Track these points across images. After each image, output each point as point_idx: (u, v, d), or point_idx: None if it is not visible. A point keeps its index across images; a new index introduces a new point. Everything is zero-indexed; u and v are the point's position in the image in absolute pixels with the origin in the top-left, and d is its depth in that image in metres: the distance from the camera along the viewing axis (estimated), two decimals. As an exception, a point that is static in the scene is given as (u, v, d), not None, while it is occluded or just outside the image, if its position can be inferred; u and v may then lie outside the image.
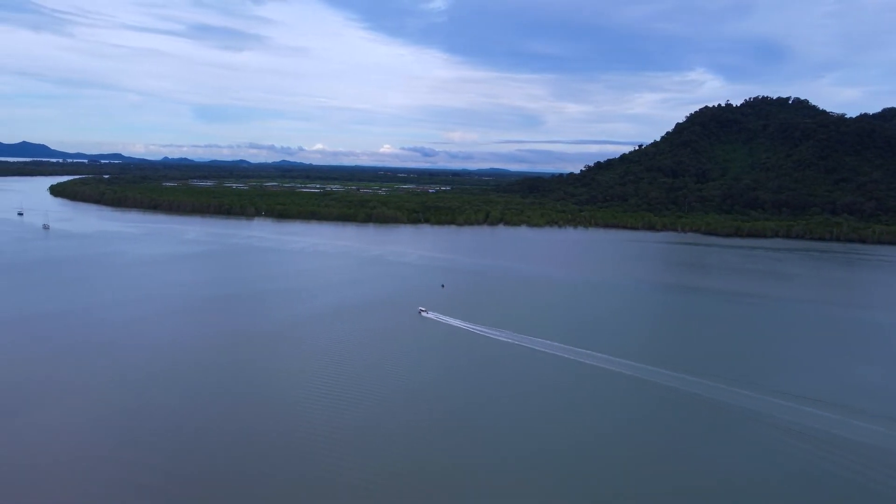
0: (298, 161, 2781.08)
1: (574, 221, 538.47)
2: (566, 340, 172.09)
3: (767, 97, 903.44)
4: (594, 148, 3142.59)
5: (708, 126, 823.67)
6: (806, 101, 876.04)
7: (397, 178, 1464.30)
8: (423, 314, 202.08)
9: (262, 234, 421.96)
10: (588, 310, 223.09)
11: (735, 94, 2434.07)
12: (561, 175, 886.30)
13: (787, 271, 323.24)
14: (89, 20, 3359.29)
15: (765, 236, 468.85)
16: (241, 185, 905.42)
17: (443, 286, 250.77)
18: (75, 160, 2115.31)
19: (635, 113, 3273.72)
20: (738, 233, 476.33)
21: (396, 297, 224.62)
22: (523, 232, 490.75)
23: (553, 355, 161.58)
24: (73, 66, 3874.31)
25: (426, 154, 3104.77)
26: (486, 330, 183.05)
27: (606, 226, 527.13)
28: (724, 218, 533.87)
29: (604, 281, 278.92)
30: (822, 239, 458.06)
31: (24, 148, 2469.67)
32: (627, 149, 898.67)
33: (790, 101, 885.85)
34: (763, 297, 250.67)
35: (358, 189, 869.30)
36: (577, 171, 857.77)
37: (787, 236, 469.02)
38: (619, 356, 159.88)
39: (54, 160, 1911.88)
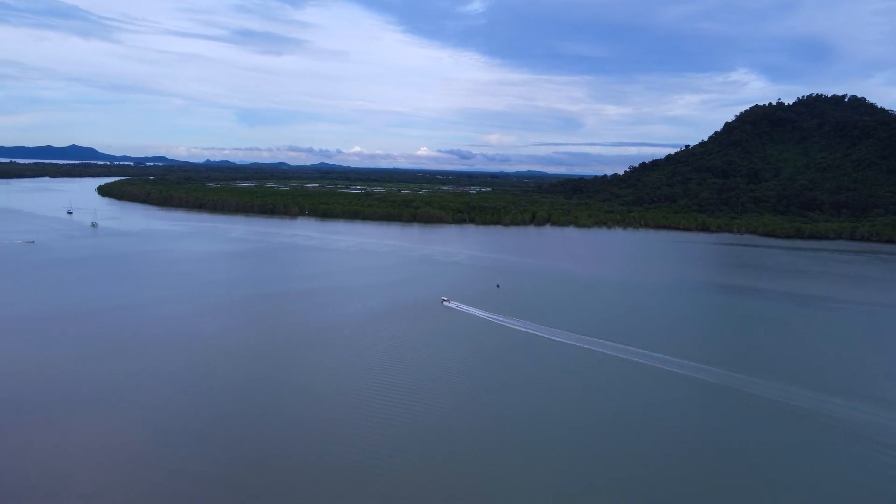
0: (336, 163, 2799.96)
1: (623, 222, 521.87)
2: (640, 344, 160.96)
3: (821, 95, 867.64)
4: (633, 150, 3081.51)
5: (759, 125, 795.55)
6: (863, 100, 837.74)
7: (436, 179, 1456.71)
8: (445, 304, 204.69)
9: (306, 232, 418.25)
10: (656, 311, 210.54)
11: (779, 94, 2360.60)
12: (605, 176, 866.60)
13: (859, 274, 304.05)
14: (136, 27, 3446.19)
15: (827, 238, 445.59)
16: (282, 186, 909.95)
17: (498, 286, 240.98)
18: (121, 163, 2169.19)
19: (675, 115, 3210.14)
20: (798, 234, 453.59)
21: (449, 295, 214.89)
22: (571, 232, 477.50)
23: (634, 361, 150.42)
24: (120, 71, 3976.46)
25: (463, 156, 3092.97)
26: (517, 322, 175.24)
27: (657, 227, 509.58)
28: (781, 219, 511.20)
29: (666, 282, 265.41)
30: (890, 241, 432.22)
31: (73, 151, 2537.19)
32: (667, 151, 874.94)
33: (846, 99, 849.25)
34: (839, 300, 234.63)
35: (399, 190, 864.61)
36: (615, 173, 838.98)
37: (852, 238, 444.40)
38: (697, 361, 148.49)
39: (101, 163, 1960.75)
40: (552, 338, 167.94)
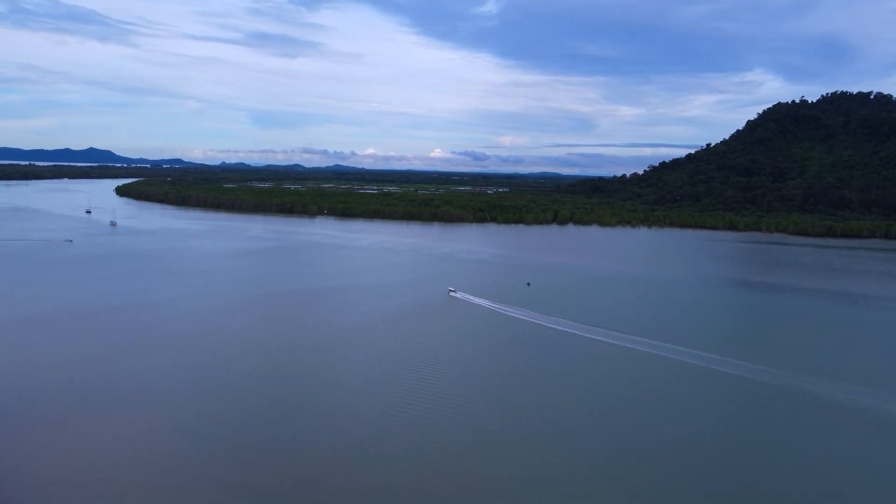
0: (351, 165, 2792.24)
1: (648, 221, 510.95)
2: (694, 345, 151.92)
3: (846, 92, 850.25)
4: (647, 151, 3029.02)
5: (783, 123, 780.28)
6: (889, 97, 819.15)
7: (450, 180, 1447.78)
8: (452, 294, 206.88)
9: (326, 231, 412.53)
10: (693, 308, 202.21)
11: (796, 94, 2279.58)
12: (624, 176, 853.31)
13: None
14: (152, 30, 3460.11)
15: (861, 236, 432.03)
16: (298, 187, 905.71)
17: (528, 284, 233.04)
18: (138, 165, 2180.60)
19: (690, 115, 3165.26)
20: (830, 233, 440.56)
21: (482, 293, 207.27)
22: (595, 231, 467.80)
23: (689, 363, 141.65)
24: (137, 74, 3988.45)
25: (477, 158, 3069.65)
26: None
27: (683, 226, 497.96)
28: (811, 218, 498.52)
29: (700, 279, 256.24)
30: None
31: (90, 154, 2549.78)
32: (682, 152, 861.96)
33: (871, 97, 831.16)
34: (887, 298, 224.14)
35: (416, 190, 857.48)
36: (634, 172, 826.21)
37: (886, 237, 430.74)
38: (746, 360, 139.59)
39: (118, 165, 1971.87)
40: (571, 331, 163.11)
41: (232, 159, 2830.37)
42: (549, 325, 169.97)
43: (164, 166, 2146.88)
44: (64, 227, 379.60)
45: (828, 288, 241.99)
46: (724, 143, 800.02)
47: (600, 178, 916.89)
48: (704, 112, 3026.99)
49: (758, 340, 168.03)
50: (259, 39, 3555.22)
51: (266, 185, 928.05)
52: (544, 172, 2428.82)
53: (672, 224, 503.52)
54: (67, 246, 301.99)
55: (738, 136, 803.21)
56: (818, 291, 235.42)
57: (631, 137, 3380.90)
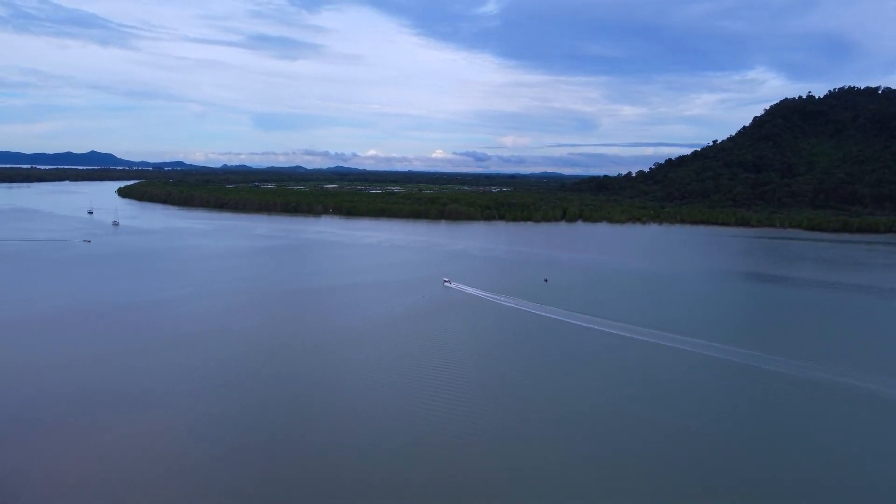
0: (352, 167, 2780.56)
1: (658, 218, 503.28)
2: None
3: (854, 87, 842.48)
4: (650, 150, 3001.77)
5: (790, 119, 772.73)
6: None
7: (453, 181, 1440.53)
8: (447, 284, 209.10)
9: (332, 230, 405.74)
10: (727, 303, 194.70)
11: (798, 92, 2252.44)
12: (629, 174, 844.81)
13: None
14: (154, 34, 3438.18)
15: (878, 231, 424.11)
16: (301, 187, 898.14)
17: (546, 280, 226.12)
18: (140, 168, 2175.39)
19: (692, 114, 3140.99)
20: (846, 228, 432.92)
21: (502, 291, 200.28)
22: (605, 228, 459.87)
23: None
24: (138, 78, 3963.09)
25: (479, 158, 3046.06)
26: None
27: (693, 222, 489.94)
28: (825, 213, 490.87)
29: (722, 274, 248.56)
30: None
31: (92, 157, 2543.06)
32: (684, 151, 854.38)
33: (879, 91, 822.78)
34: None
35: (420, 190, 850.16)
36: (640, 170, 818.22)
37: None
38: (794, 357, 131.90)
39: (120, 168, 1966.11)
40: (582, 324, 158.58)
41: (233, 161, 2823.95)
42: (561, 319, 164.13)
43: (166, 169, 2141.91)
44: (66, 227, 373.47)
45: (852, 281, 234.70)
46: (730, 139, 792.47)
47: (605, 177, 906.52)
48: (706, 111, 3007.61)
49: (783, 334, 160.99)
50: (260, 42, 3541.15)
51: (269, 186, 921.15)
52: (546, 172, 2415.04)
53: (682, 220, 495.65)
54: (73, 246, 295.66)
55: (744, 132, 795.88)
56: (849, 286, 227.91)
57: (633, 137, 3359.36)
